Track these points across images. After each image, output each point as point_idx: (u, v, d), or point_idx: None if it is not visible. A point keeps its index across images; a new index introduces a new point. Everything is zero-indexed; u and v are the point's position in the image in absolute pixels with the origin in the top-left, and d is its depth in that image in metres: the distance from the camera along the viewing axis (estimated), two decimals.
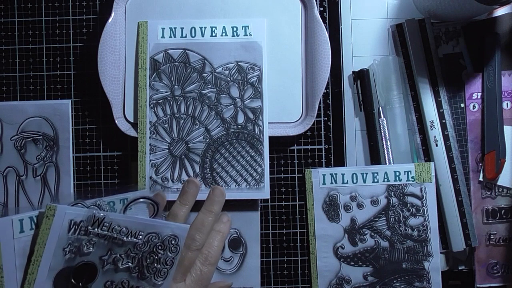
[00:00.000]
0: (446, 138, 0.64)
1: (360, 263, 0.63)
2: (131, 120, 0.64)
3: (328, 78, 0.64)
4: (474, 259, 0.64)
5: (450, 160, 0.63)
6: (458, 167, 0.64)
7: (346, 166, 0.65)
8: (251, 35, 0.63)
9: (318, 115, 0.65)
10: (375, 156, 0.65)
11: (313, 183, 0.64)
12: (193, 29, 0.62)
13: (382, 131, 0.64)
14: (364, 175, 0.64)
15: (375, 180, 0.64)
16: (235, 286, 0.63)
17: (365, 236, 0.63)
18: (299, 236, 0.65)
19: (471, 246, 0.63)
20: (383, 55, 0.66)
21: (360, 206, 0.64)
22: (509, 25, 0.65)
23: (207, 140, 0.62)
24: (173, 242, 0.52)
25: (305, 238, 0.65)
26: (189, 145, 0.62)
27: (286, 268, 0.65)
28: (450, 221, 0.63)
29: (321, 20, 0.63)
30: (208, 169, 0.61)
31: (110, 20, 0.63)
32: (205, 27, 0.62)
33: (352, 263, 0.63)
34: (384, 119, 0.64)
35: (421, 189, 0.63)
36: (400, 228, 0.63)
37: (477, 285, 0.64)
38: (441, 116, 0.64)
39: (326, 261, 0.64)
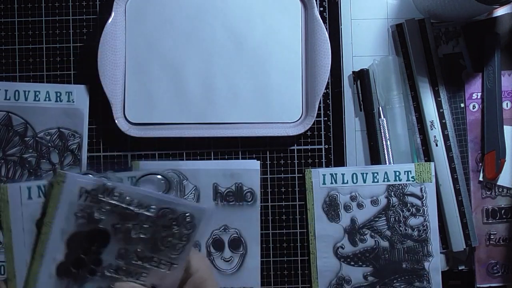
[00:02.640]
0: (446, 138, 0.64)
1: (360, 263, 0.63)
2: (131, 120, 0.64)
3: (328, 78, 0.64)
4: (474, 259, 0.64)
5: (450, 160, 0.63)
6: (458, 167, 0.64)
7: (346, 166, 0.65)
8: (73, 102, 0.63)
9: (318, 115, 0.65)
10: (375, 156, 0.65)
11: (313, 183, 0.64)
12: (16, 92, 0.63)
13: (382, 131, 0.64)
14: (364, 175, 0.64)
15: (375, 180, 0.64)
16: (235, 286, 0.63)
17: (365, 236, 0.63)
18: (299, 236, 0.65)
19: (471, 246, 0.63)
20: (383, 55, 0.66)
21: (360, 206, 0.64)
22: (509, 25, 0.65)
23: None
24: (188, 219, 0.52)
25: (305, 238, 0.65)
26: None
27: (286, 268, 0.65)
28: (450, 221, 0.63)
29: (321, 20, 0.63)
30: None
31: (110, 20, 0.63)
32: (28, 91, 0.63)
33: (352, 263, 0.63)
34: (384, 119, 0.64)
35: (421, 189, 0.63)
36: (400, 228, 0.63)
37: (477, 285, 0.64)
38: (441, 116, 0.64)
39: (326, 261, 0.64)
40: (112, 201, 0.52)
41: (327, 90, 0.65)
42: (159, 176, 0.58)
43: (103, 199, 0.52)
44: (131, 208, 0.52)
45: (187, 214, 0.52)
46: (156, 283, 0.53)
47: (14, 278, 0.53)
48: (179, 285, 0.53)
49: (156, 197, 0.53)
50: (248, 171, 0.64)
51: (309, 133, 0.65)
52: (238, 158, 0.65)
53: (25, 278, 0.52)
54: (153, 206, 0.52)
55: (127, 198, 0.52)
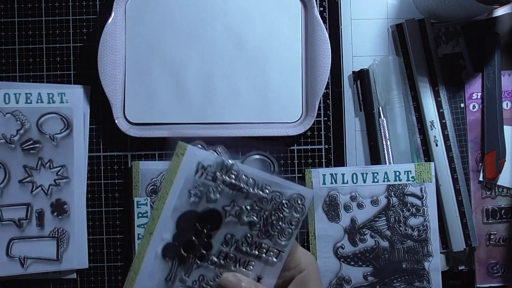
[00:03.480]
0: (446, 138, 0.64)
1: (360, 263, 0.63)
2: (131, 120, 0.64)
3: (328, 78, 0.64)
4: (474, 259, 0.64)
5: (450, 160, 0.63)
6: (458, 167, 0.64)
7: (346, 166, 0.65)
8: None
9: (318, 115, 0.65)
10: (375, 156, 0.65)
11: (313, 183, 0.64)
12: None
13: (382, 131, 0.64)
14: (364, 175, 0.64)
15: (375, 180, 0.64)
16: None
17: (365, 236, 0.63)
18: (299, 236, 0.65)
19: (471, 246, 0.63)
20: (383, 55, 0.66)
21: (360, 206, 0.64)
22: (509, 25, 0.65)
23: None
24: (299, 202, 0.50)
25: (305, 238, 0.65)
26: None
27: None
28: (450, 221, 0.63)
29: (321, 20, 0.63)
30: None
31: (110, 20, 0.63)
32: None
33: (352, 263, 0.63)
34: (384, 119, 0.64)
35: (421, 189, 0.63)
36: (400, 228, 0.63)
37: (477, 285, 0.64)
38: (441, 116, 0.64)
39: (326, 261, 0.64)
40: (228, 179, 0.49)
41: (327, 90, 0.65)
42: (258, 157, 0.56)
43: (220, 176, 0.49)
44: (247, 188, 0.49)
45: (299, 196, 0.50)
46: (262, 273, 0.50)
47: None
48: (284, 280, 0.51)
49: (270, 179, 0.50)
50: None
51: (309, 133, 0.65)
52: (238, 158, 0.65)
53: (134, 257, 0.50)
54: (268, 187, 0.50)
55: (243, 177, 0.49)
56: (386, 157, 0.64)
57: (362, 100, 0.65)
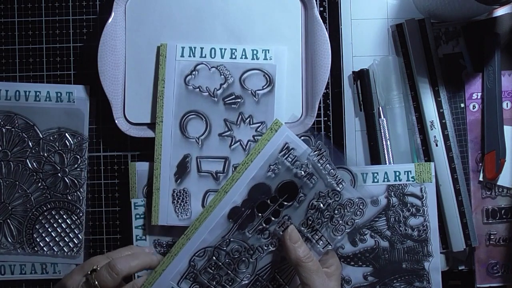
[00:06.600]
0: (446, 138, 0.64)
1: (360, 263, 0.63)
2: (131, 120, 0.64)
3: (328, 78, 0.64)
4: (474, 259, 0.64)
5: (450, 160, 0.63)
6: (458, 167, 0.64)
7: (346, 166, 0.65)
8: (74, 102, 0.64)
9: (318, 115, 0.65)
10: (375, 156, 0.65)
11: None
12: (17, 92, 0.63)
13: (382, 131, 0.64)
14: (364, 175, 0.64)
15: (375, 180, 0.64)
16: None
17: (365, 236, 0.63)
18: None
19: (471, 246, 0.63)
20: (383, 55, 0.66)
21: None
22: (509, 25, 0.65)
23: (28, 206, 0.63)
24: (361, 206, 0.54)
25: None
26: (11, 209, 0.63)
27: None
28: (450, 221, 0.63)
29: (321, 20, 0.63)
30: (27, 235, 0.63)
31: (110, 20, 0.63)
32: (29, 91, 0.63)
33: (352, 263, 0.63)
34: (384, 119, 0.64)
35: (421, 189, 0.63)
36: (400, 228, 0.63)
37: (477, 285, 0.64)
38: (441, 116, 0.64)
39: None
40: (317, 162, 0.54)
41: (327, 90, 0.65)
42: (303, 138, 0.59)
43: (310, 157, 0.54)
44: (328, 177, 0.53)
45: (362, 201, 0.54)
46: None
47: (161, 122, 0.60)
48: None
49: (346, 183, 0.55)
50: None
51: (309, 133, 0.65)
52: None
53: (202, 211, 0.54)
54: (343, 183, 0.54)
55: (328, 166, 0.54)
56: (386, 157, 0.64)
57: (362, 100, 0.65)
